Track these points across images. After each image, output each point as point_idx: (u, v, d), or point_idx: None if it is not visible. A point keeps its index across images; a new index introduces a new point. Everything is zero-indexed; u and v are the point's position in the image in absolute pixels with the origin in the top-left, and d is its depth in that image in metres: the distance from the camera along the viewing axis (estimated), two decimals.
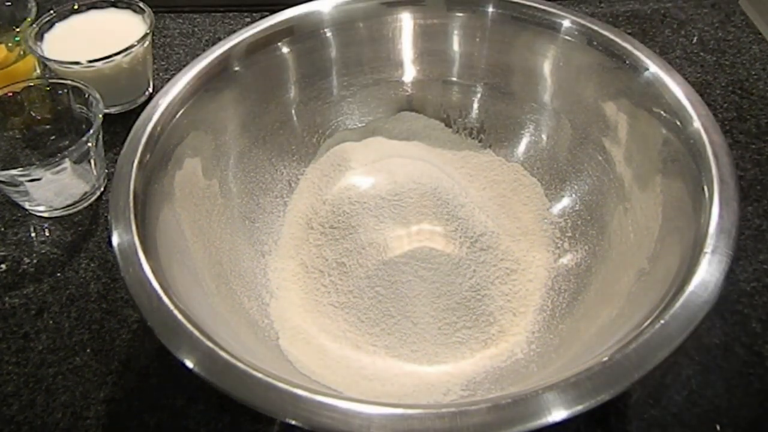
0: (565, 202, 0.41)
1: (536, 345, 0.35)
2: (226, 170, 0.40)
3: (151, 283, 0.29)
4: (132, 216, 0.31)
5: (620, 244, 0.36)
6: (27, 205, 0.45)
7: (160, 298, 0.28)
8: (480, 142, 0.46)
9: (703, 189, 0.31)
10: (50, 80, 0.46)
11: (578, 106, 0.42)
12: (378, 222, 0.38)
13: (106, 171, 0.47)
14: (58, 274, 0.42)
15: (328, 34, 0.44)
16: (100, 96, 0.44)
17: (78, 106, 0.46)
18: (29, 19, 0.50)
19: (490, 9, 0.43)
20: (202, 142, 0.39)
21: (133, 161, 0.34)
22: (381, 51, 0.45)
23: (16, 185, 0.42)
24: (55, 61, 0.48)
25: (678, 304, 0.27)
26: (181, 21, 0.62)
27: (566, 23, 0.41)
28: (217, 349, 0.27)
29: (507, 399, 0.25)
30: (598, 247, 0.38)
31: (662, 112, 0.36)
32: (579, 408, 0.24)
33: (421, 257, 0.36)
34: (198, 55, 0.40)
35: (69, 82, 0.46)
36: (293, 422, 0.25)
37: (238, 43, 0.41)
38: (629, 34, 0.41)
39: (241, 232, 0.40)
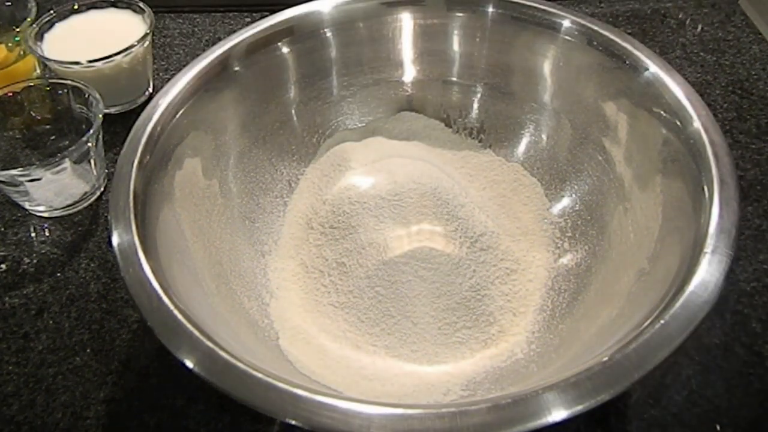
0: (565, 202, 0.41)
1: (536, 345, 0.35)
2: (226, 170, 0.40)
3: (151, 283, 0.29)
4: (132, 216, 0.31)
5: (620, 244, 0.36)
6: (27, 205, 0.45)
7: (160, 298, 0.28)
8: (480, 142, 0.46)
9: (703, 189, 0.31)
10: (50, 80, 0.46)
11: (578, 106, 0.42)
12: (378, 222, 0.38)
13: (106, 171, 0.47)
14: (58, 274, 0.42)
15: (328, 34, 0.44)
16: (100, 96, 0.44)
17: (78, 106, 0.46)
18: (29, 19, 0.50)
19: (490, 9, 0.43)
20: (202, 142, 0.39)
21: (133, 161, 0.34)
22: (381, 51, 0.45)
23: (16, 185, 0.42)
24: (55, 61, 0.48)
25: (678, 304, 0.27)
26: (181, 21, 0.62)
27: (566, 23, 0.41)
28: (217, 349, 0.27)
29: (507, 399, 0.25)
30: (598, 247, 0.38)
31: (662, 112, 0.36)
32: (579, 408, 0.24)
33: (421, 257, 0.36)
34: (198, 55, 0.40)
35: (69, 82, 0.46)
36: (293, 422, 0.25)
37: (238, 43, 0.41)
38: (629, 34, 0.41)
39: (241, 232, 0.40)
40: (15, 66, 0.50)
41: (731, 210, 0.30)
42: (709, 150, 0.33)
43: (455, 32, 0.45)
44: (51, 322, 0.40)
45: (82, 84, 0.45)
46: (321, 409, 0.25)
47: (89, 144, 0.43)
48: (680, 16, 0.60)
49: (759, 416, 0.34)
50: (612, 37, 0.39)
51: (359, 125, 0.47)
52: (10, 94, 0.45)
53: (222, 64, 0.40)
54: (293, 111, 0.44)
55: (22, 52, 0.51)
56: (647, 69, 0.37)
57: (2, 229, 0.45)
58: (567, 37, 0.41)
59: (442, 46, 0.45)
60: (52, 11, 0.51)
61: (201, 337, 0.27)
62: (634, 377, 0.25)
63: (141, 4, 0.52)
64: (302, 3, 0.43)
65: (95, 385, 0.37)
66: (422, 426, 0.24)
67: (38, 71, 0.53)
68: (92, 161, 0.45)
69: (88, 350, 0.38)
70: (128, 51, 0.49)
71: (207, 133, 0.39)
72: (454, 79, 0.46)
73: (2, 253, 0.43)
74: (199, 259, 0.35)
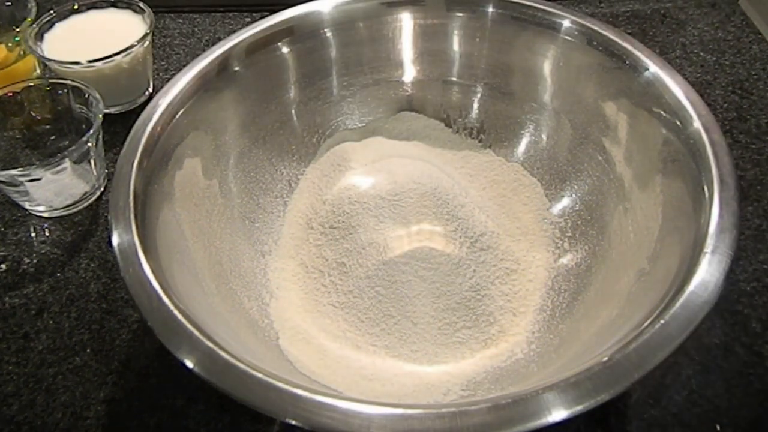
0: (565, 202, 0.41)
1: (536, 345, 0.35)
2: (226, 170, 0.40)
3: (151, 283, 0.29)
4: (132, 216, 0.31)
5: (620, 244, 0.36)
6: (27, 205, 0.45)
7: (160, 298, 0.28)
8: (480, 142, 0.46)
9: (703, 189, 0.31)
10: (50, 80, 0.46)
11: (578, 106, 0.42)
12: (378, 222, 0.38)
13: (106, 171, 0.47)
14: (58, 274, 0.42)
15: (328, 34, 0.44)
16: (100, 96, 0.44)
17: (78, 106, 0.46)
18: (29, 19, 0.50)
19: (490, 9, 0.43)
20: (202, 142, 0.39)
21: (133, 161, 0.34)
22: (381, 51, 0.45)
23: (16, 185, 0.42)
24: (55, 61, 0.48)
25: (678, 304, 0.27)
26: (181, 21, 0.62)
27: (566, 23, 0.41)
28: (217, 349, 0.27)
29: (507, 399, 0.25)
30: (598, 247, 0.38)
31: (662, 112, 0.36)
32: (579, 408, 0.24)
33: (421, 257, 0.36)
34: (198, 55, 0.40)
35: (69, 82, 0.46)
36: (293, 422, 0.25)
37: (238, 43, 0.41)
38: (629, 34, 0.41)
39: (241, 232, 0.40)
40: (15, 66, 0.50)
41: (731, 210, 0.30)
42: (709, 150, 0.33)
43: (455, 32, 0.45)
44: (51, 322, 0.40)
45: (82, 84, 0.45)
46: (321, 409, 0.25)
47: (89, 144, 0.43)
48: (680, 16, 0.60)
49: (759, 416, 0.34)
50: (612, 37, 0.39)
51: (359, 125, 0.47)
52: (10, 94, 0.45)
53: (222, 64, 0.40)
54: (293, 111, 0.44)
55: (22, 52, 0.51)
56: (647, 69, 0.37)
57: (2, 229, 0.45)
58: (567, 37, 0.41)
59: (442, 46, 0.45)
60: (52, 11, 0.51)
61: (201, 337, 0.27)
62: (634, 377, 0.25)
63: (141, 4, 0.52)
64: (302, 3, 0.43)
65: (95, 385, 0.37)
66: (422, 426, 0.24)
67: (38, 71, 0.53)
68: (92, 161, 0.45)
69: (88, 350, 0.38)
70: (128, 51, 0.49)
71: (207, 133, 0.39)
72: (454, 79, 0.46)
73: (2, 253, 0.43)
74: (199, 259, 0.35)
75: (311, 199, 0.42)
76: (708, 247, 0.29)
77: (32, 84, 0.46)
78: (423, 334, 0.35)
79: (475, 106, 0.46)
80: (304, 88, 0.44)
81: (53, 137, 0.48)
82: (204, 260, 0.35)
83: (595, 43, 0.40)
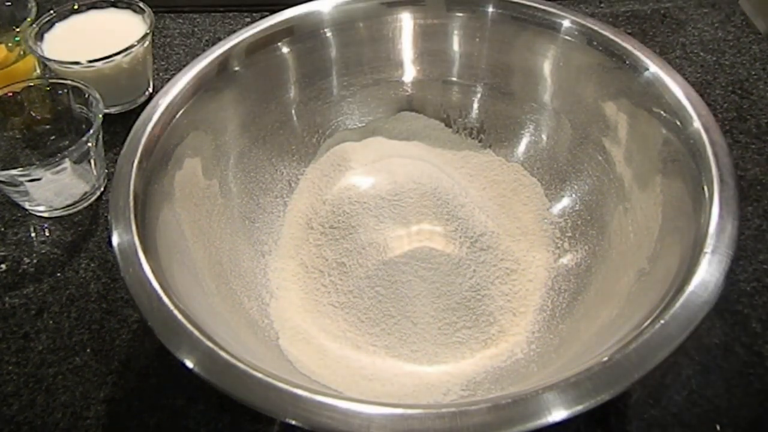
0: (565, 202, 0.41)
1: (536, 345, 0.35)
2: (226, 170, 0.40)
3: (151, 283, 0.29)
4: (132, 216, 0.31)
5: (620, 244, 0.36)
6: (27, 205, 0.45)
7: (160, 298, 0.28)
8: (480, 142, 0.46)
9: (703, 189, 0.31)
10: (50, 80, 0.46)
11: (578, 106, 0.42)
12: (378, 222, 0.38)
13: (106, 171, 0.47)
14: (58, 274, 0.42)
15: (328, 34, 0.44)
16: (100, 96, 0.44)
17: (78, 106, 0.46)
18: (29, 19, 0.50)
19: (490, 9, 0.43)
20: (202, 142, 0.39)
21: (133, 161, 0.34)
22: (381, 51, 0.45)
23: (16, 185, 0.42)
24: (55, 61, 0.48)
25: (678, 304, 0.27)
26: (181, 21, 0.62)
27: (566, 23, 0.41)
28: (217, 349, 0.27)
29: (507, 399, 0.25)
30: (598, 247, 0.38)
31: (662, 112, 0.36)
32: (579, 408, 0.24)
33: (421, 257, 0.36)
34: (198, 55, 0.40)
35: (69, 82, 0.46)
36: (293, 422, 0.25)
37: (238, 43, 0.41)
38: (629, 34, 0.41)
39: (241, 232, 0.40)
40: (15, 66, 0.50)
41: (731, 210, 0.30)
42: (709, 150, 0.33)
43: (455, 32, 0.45)
44: (51, 322, 0.40)
45: (82, 84, 0.45)
46: (321, 409, 0.25)
47: (89, 144, 0.43)
48: (680, 16, 0.60)
49: (759, 416, 0.34)
50: (612, 37, 0.39)
51: (359, 125, 0.47)
52: (10, 94, 0.45)
53: (222, 64, 0.40)
54: (293, 111, 0.44)
55: (22, 52, 0.51)
56: (647, 69, 0.37)
57: (2, 229, 0.45)
58: (567, 37, 0.41)
59: (442, 46, 0.45)
60: (52, 11, 0.51)
61: (201, 337, 0.27)
62: (634, 377, 0.25)
63: (141, 4, 0.52)
64: (302, 3, 0.43)
65: (95, 385, 0.37)
66: (422, 426, 0.24)
67: (38, 71, 0.53)
68: (92, 161, 0.45)
69: (88, 350, 0.38)
70: (128, 51, 0.49)
71: (207, 133, 0.39)
72: (454, 79, 0.46)
73: (2, 253, 0.43)
74: (199, 259, 0.35)
75: (311, 199, 0.42)
76: (708, 247, 0.29)
77: (32, 84, 0.46)
78: (423, 334, 0.35)
79: (475, 106, 0.46)
80: (304, 88, 0.44)
81: (53, 137, 0.48)
82: (204, 260, 0.35)
83: (595, 43, 0.40)
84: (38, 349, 0.38)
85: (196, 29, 0.61)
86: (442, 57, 0.46)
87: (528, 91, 0.44)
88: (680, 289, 0.28)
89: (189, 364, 0.26)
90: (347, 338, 0.36)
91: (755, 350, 0.37)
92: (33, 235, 0.45)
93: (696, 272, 0.28)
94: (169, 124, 0.36)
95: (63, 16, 0.51)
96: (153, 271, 0.29)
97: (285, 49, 0.43)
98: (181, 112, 0.37)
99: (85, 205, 0.46)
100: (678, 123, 0.35)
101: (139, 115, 0.36)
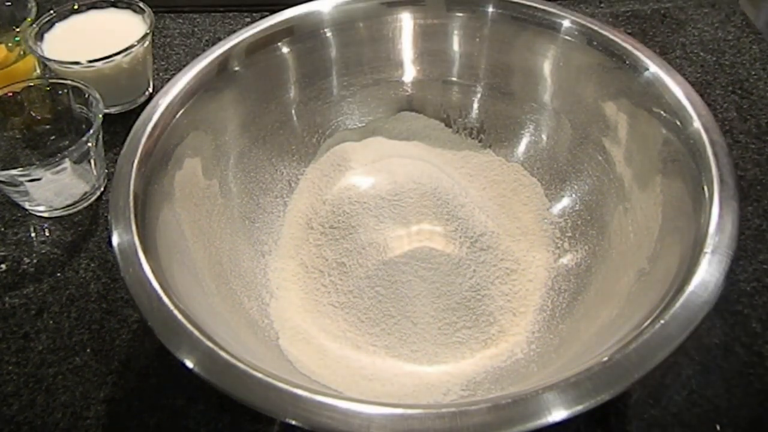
0: (565, 202, 0.41)
1: (536, 345, 0.35)
2: (226, 170, 0.40)
3: (151, 283, 0.29)
4: (132, 216, 0.31)
5: (620, 244, 0.36)
6: (27, 205, 0.45)
7: (160, 298, 0.28)
8: (480, 142, 0.46)
9: (703, 189, 0.31)
10: (50, 80, 0.46)
11: (578, 106, 0.42)
12: (378, 222, 0.38)
13: (106, 171, 0.47)
14: (58, 274, 0.42)
15: (328, 34, 0.44)
16: (100, 96, 0.44)
17: (78, 106, 0.46)
18: (29, 19, 0.50)
19: (490, 9, 0.43)
20: (202, 142, 0.39)
21: (133, 161, 0.34)
22: (381, 51, 0.45)
23: (16, 185, 0.42)
24: (55, 61, 0.48)
25: (678, 304, 0.27)
26: (181, 21, 0.62)
27: (566, 23, 0.41)
28: (217, 349, 0.27)
29: (507, 399, 0.25)
30: (598, 247, 0.38)
31: (662, 112, 0.36)
32: (579, 408, 0.24)
33: (421, 257, 0.36)
34: (198, 55, 0.40)
35: (69, 82, 0.46)
36: (293, 422, 0.25)
37: (238, 43, 0.41)
38: (629, 34, 0.41)
39: (241, 232, 0.40)
40: (15, 66, 0.50)
41: (731, 210, 0.30)
42: (709, 150, 0.33)
43: (455, 32, 0.45)
44: (51, 322, 0.40)
45: (82, 84, 0.45)
46: (321, 409, 0.25)
47: (89, 144, 0.43)
48: (680, 16, 0.60)
49: (759, 416, 0.34)
50: (612, 37, 0.39)
51: (359, 125, 0.47)
52: (10, 94, 0.45)
53: (222, 64, 0.40)
54: (293, 111, 0.44)
55: (22, 52, 0.51)
56: (647, 69, 0.37)
57: (2, 229, 0.45)
58: (567, 37, 0.41)
59: (442, 46, 0.45)
60: (52, 11, 0.51)
61: (201, 337, 0.27)
62: (634, 377, 0.25)
63: (141, 4, 0.52)
64: (302, 3, 0.43)
65: (95, 385, 0.37)
66: (422, 426, 0.24)
67: (38, 71, 0.53)
68: (92, 161, 0.45)
69: (88, 350, 0.38)
70: (128, 51, 0.49)
71: (207, 133, 0.39)
72: (454, 79, 0.46)
73: (2, 253, 0.43)
74: (199, 259, 0.35)
75: (311, 199, 0.42)
76: (708, 247, 0.29)
77: (32, 84, 0.46)
78: (423, 334, 0.35)
79: (475, 106, 0.46)
80: (304, 88, 0.44)
81: (53, 137, 0.48)
82: (204, 260, 0.35)
83: (595, 43, 0.40)
84: (38, 349, 0.38)
85: (196, 29, 0.61)
86: (442, 57, 0.46)
87: (528, 91, 0.44)
88: (680, 289, 0.28)
89: (189, 364, 0.26)
90: (347, 338, 0.36)
91: (755, 350, 0.37)
92: (33, 235, 0.45)
93: (696, 272, 0.28)
94: (169, 124, 0.36)
95: (63, 16, 0.51)
96: (153, 271, 0.29)
97: (285, 49, 0.43)
98: (181, 112, 0.37)
99: (85, 205, 0.46)
100: (678, 123, 0.35)
101: (139, 115, 0.36)
